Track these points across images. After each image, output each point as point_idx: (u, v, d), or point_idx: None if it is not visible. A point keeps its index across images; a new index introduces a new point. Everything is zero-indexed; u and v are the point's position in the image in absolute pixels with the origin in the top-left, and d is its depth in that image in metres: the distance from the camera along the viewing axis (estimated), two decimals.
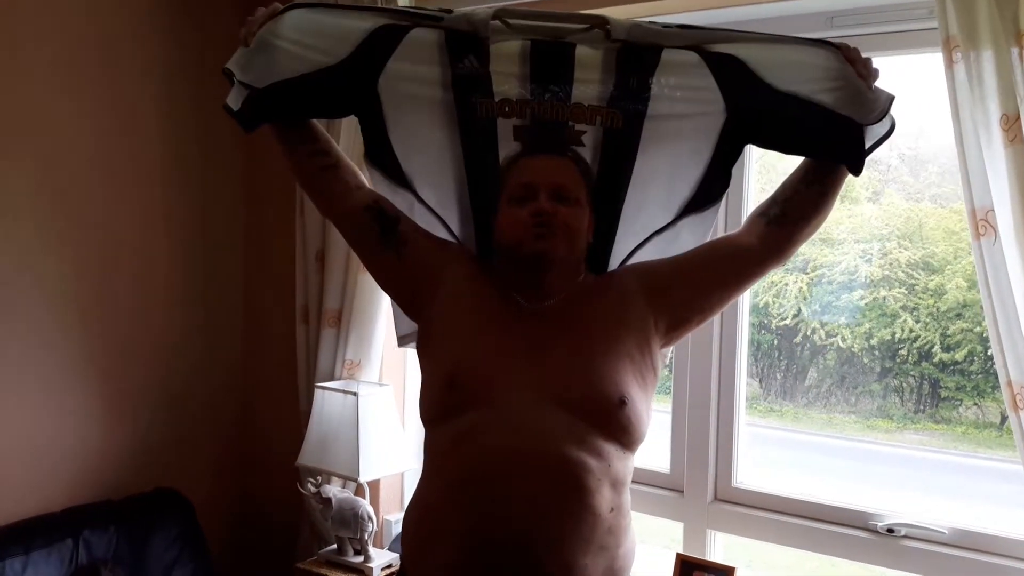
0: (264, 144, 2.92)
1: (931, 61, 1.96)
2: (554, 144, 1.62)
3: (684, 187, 1.69)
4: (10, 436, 2.42)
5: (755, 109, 1.61)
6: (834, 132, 1.56)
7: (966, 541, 2.04)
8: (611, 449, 1.48)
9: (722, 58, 1.61)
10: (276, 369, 2.96)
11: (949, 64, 1.80)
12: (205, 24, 2.88)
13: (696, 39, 1.64)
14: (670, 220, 1.71)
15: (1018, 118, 1.70)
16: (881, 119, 1.54)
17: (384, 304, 2.62)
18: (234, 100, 1.63)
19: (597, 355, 1.52)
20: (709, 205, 1.70)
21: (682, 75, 1.62)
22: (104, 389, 2.66)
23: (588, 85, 1.63)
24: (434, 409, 1.55)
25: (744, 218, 2.28)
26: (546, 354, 1.52)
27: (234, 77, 1.61)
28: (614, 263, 1.74)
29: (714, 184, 1.68)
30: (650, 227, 1.72)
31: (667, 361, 1.79)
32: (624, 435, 1.49)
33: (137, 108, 2.72)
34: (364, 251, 1.73)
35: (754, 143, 1.69)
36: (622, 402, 1.48)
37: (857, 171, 1.56)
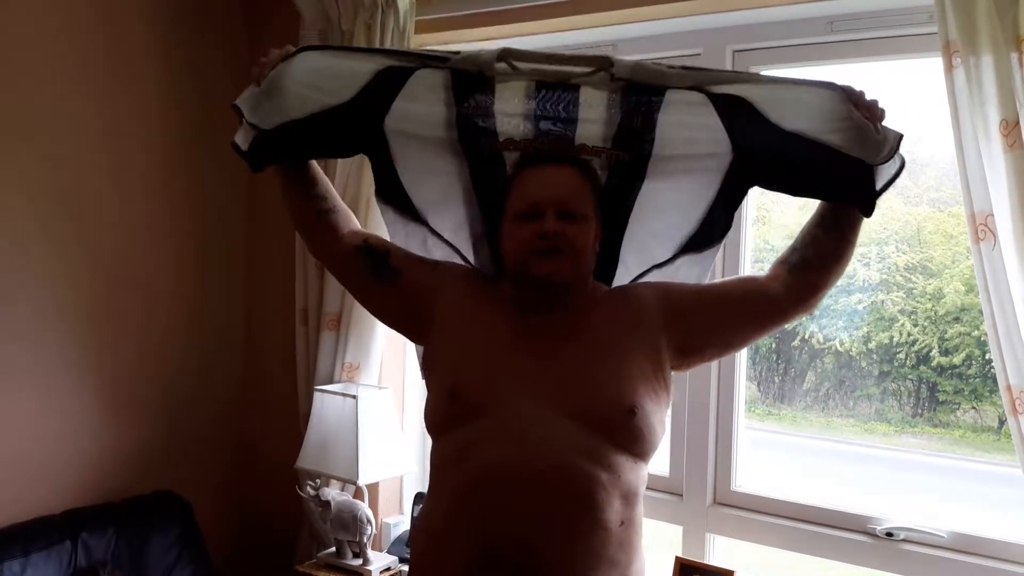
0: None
1: (931, 66, 1.96)
2: (559, 153, 1.60)
3: (685, 225, 1.67)
4: (10, 438, 2.42)
5: (761, 149, 1.58)
6: (843, 173, 1.52)
7: (965, 545, 2.04)
8: (621, 460, 1.46)
9: (727, 98, 1.59)
10: (276, 372, 2.96)
11: (949, 69, 1.80)
12: (208, 29, 2.88)
13: (700, 80, 1.62)
14: (669, 256, 1.70)
15: (1017, 123, 1.71)
16: (890, 158, 1.50)
17: None
18: (242, 139, 1.64)
19: (606, 364, 1.51)
20: (708, 246, 1.68)
21: (687, 114, 1.60)
22: (104, 392, 2.66)
23: (593, 125, 1.62)
24: (438, 420, 1.54)
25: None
26: (552, 363, 1.50)
27: (243, 116, 1.61)
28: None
29: (716, 226, 1.66)
30: (649, 260, 1.71)
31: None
32: (635, 445, 1.47)
33: (140, 112, 2.72)
34: (358, 289, 1.73)
35: (760, 185, 1.66)
36: (632, 411, 1.45)
37: (868, 212, 1.52)
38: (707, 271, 1.72)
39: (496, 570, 1.41)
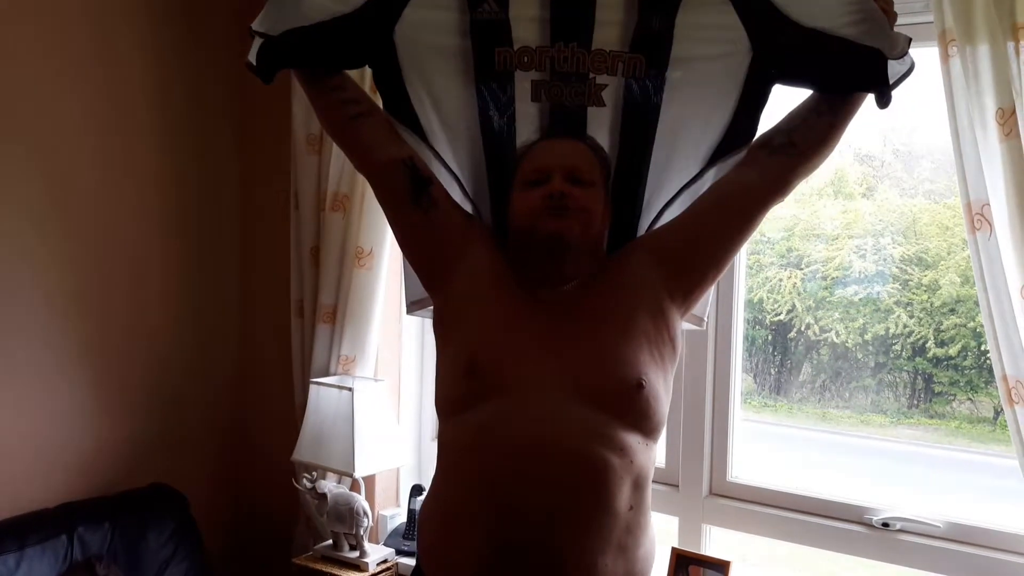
0: (260, 139, 2.93)
1: (926, 55, 1.96)
2: (570, 127, 1.62)
3: (711, 134, 1.66)
4: (5, 432, 2.41)
5: (781, 47, 1.59)
6: (860, 64, 1.54)
7: (960, 535, 2.05)
8: (633, 441, 1.46)
9: None
10: (271, 364, 2.96)
11: (945, 58, 1.80)
12: (202, 20, 2.86)
13: None
14: (698, 171, 1.67)
15: (1014, 112, 1.70)
16: (903, 55, 1.52)
17: (379, 300, 2.62)
18: (253, 54, 1.62)
19: (613, 339, 1.50)
20: (736, 152, 1.66)
21: (705, 14, 1.60)
22: (99, 384, 2.65)
23: (610, 27, 1.61)
24: (452, 397, 1.53)
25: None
26: (563, 343, 1.50)
27: (254, 34, 1.61)
28: (644, 223, 1.70)
29: (741, 130, 1.65)
30: (679, 181, 1.68)
31: (704, 326, 1.76)
32: (644, 420, 1.47)
33: (134, 102, 2.71)
34: (392, 207, 1.68)
35: (780, 81, 1.65)
36: (640, 385, 1.46)
37: (885, 102, 1.53)
38: None
39: (509, 557, 1.41)
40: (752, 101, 1.63)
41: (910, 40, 1.53)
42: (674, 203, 1.69)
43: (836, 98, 1.59)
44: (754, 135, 1.65)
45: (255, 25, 1.61)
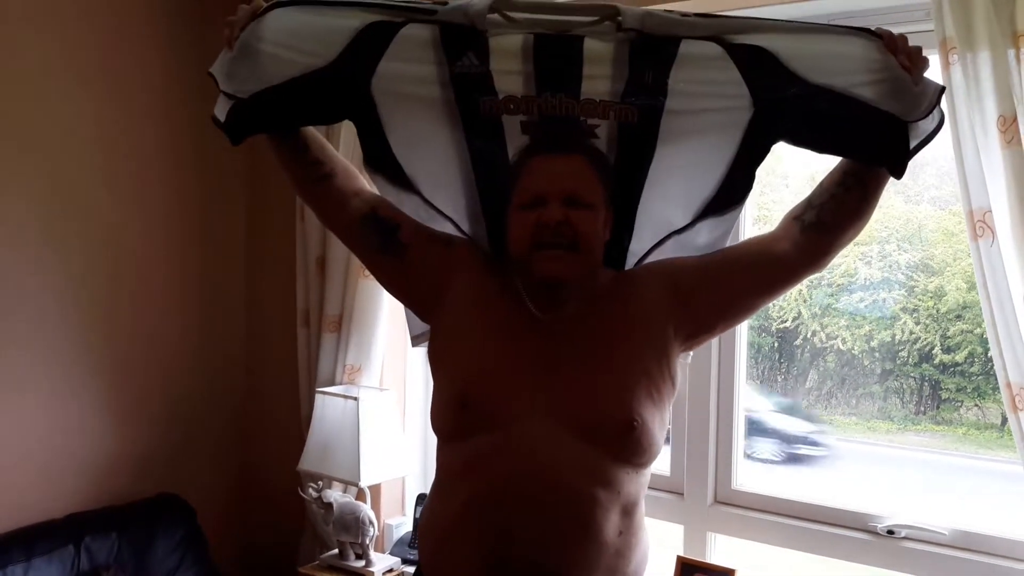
0: (267, 150, 2.94)
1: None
2: (566, 139, 1.51)
3: (705, 187, 1.58)
4: (12, 442, 2.43)
5: (786, 104, 1.48)
6: (874, 130, 1.42)
7: (967, 542, 2.04)
8: (622, 474, 1.45)
9: (748, 49, 1.48)
10: (277, 374, 2.96)
11: (946, 66, 1.80)
12: (206, 28, 2.88)
13: (718, 29, 1.50)
14: (688, 221, 1.60)
15: (1015, 119, 1.71)
16: (928, 113, 1.41)
17: (384, 310, 2.63)
18: (220, 111, 1.56)
19: (610, 373, 1.47)
20: (730, 208, 1.58)
21: (703, 69, 1.50)
22: (106, 395, 2.66)
23: (599, 81, 1.51)
24: (446, 427, 1.52)
25: (744, 221, 2.28)
26: (558, 372, 1.46)
27: (219, 85, 1.54)
28: (630, 262, 1.65)
29: (737, 185, 1.56)
30: (667, 227, 1.61)
31: (688, 360, 1.68)
32: (635, 457, 1.46)
33: (140, 114, 2.73)
34: (366, 259, 1.69)
35: (785, 140, 1.54)
36: (633, 426, 1.43)
37: (899, 174, 1.43)
38: (729, 232, 1.63)
39: (503, 574, 1.42)
40: (750, 158, 1.54)
41: (942, 90, 1.41)
42: (662, 246, 1.63)
43: (864, 169, 1.48)
44: (749, 191, 1.58)
45: (222, 85, 1.53)
